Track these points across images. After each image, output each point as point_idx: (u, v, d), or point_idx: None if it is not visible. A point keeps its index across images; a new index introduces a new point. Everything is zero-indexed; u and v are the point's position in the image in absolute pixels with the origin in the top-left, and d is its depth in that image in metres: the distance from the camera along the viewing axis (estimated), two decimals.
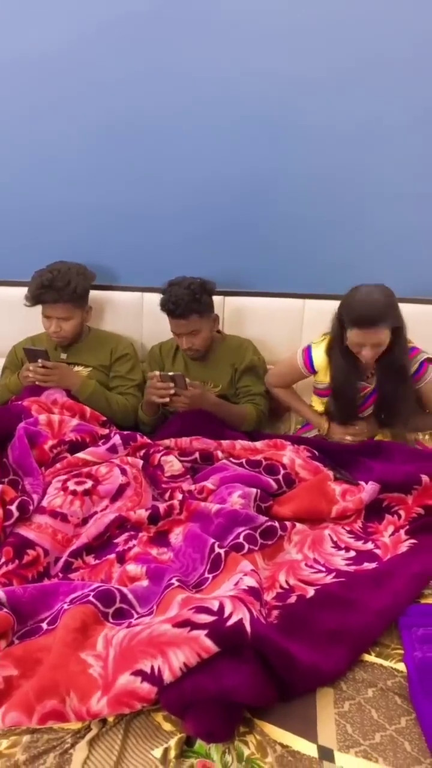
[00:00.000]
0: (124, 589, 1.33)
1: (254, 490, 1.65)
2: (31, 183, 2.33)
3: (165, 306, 2.05)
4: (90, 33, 2.12)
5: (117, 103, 2.21)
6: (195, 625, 1.14)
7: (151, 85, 2.17)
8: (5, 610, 1.27)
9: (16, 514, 1.55)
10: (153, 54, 2.13)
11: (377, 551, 1.56)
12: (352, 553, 1.55)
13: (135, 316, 2.39)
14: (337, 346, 1.93)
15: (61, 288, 2.07)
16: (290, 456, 1.84)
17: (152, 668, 1.10)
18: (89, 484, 1.69)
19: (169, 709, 1.10)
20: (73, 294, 2.10)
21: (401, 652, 1.28)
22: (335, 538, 1.61)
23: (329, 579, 1.43)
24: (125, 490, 1.71)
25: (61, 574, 1.48)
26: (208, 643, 1.11)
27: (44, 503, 1.61)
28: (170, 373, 1.97)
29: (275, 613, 1.33)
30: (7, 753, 1.05)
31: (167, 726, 1.11)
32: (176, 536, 1.56)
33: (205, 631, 1.12)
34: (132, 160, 2.28)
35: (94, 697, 1.09)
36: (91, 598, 1.28)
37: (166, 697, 1.09)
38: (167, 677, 1.09)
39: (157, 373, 1.99)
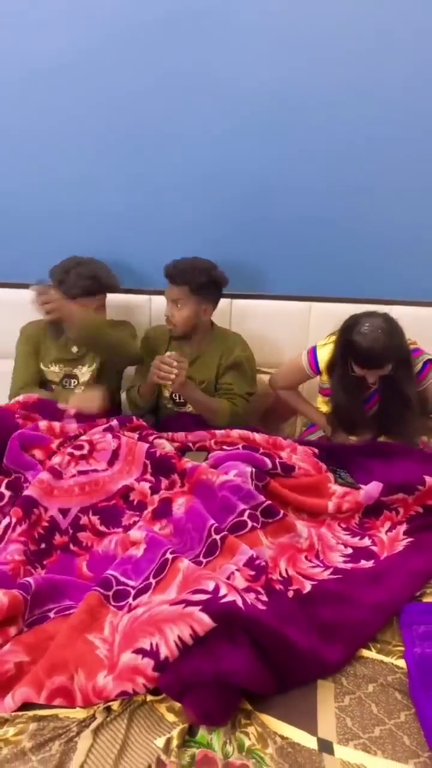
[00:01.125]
0: (117, 573, 1.37)
1: (249, 468, 1.66)
2: (39, 187, 2.37)
3: (165, 268, 2.09)
4: (96, 39, 2.16)
5: (124, 108, 2.24)
6: (189, 602, 1.19)
7: (157, 90, 2.21)
8: (20, 593, 1.30)
9: (7, 494, 1.65)
10: (159, 59, 2.17)
11: (374, 548, 1.58)
12: (349, 550, 1.56)
13: (143, 318, 2.42)
14: (338, 365, 1.92)
15: (103, 277, 2.17)
16: (288, 452, 1.86)
17: (151, 645, 1.15)
18: (86, 449, 1.75)
19: (167, 691, 1.13)
20: (111, 282, 2.22)
21: (402, 649, 1.29)
22: (331, 535, 1.62)
23: (326, 575, 1.45)
24: (119, 453, 1.76)
25: (71, 530, 1.58)
26: (202, 616, 1.15)
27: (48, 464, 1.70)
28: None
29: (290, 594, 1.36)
30: (14, 740, 1.08)
31: (170, 717, 1.13)
32: (179, 507, 1.59)
33: (199, 607, 1.17)
34: (139, 166, 2.31)
35: (100, 674, 1.14)
36: (94, 587, 1.34)
37: (164, 680, 1.12)
38: (164, 651, 1.13)
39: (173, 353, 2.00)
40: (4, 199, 2.39)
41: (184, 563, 1.33)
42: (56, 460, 1.70)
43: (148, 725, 1.12)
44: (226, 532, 1.45)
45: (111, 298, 2.39)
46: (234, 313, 2.39)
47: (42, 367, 2.22)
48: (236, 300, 2.38)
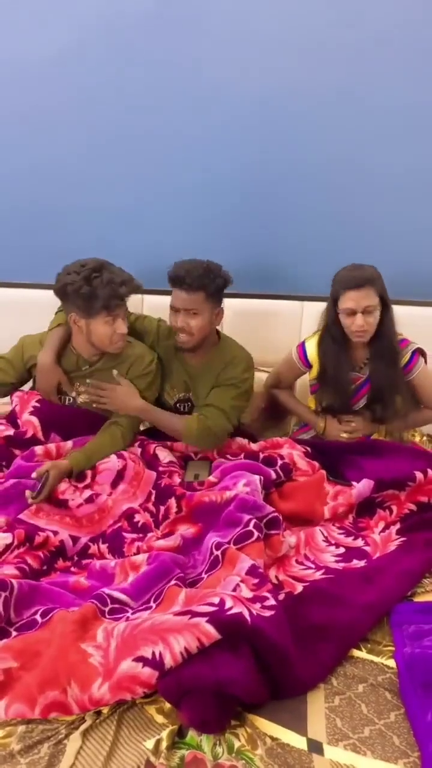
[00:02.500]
0: (114, 593, 1.35)
1: (257, 476, 1.67)
2: (38, 187, 2.36)
3: (174, 273, 1.85)
4: (95, 38, 2.17)
5: (121, 107, 2.24)
6: (195, 614, 1.18)
7: (154, 89, 2.21)
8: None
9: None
10: (156, 57, 2.17)
11: (366, 548, 1.58)
12: (342, 550, 1.57)
13: None
14: (328, 332, 1.97)
15: (129, 280, 1.83)
16: (287, 450, 1.86)
17: (153, 654, 1.13)
18: (89, 477, 1.74)
19: (165, 696, 1.13)
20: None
21: (392, 648, 1.30)
22: (326, 534, 1.63)
23: (318, 575, 1.45)
24: (124, 475, 1.75)
25: (76, 557, 1.58)
26: (209, 628, 1.15)
27: None
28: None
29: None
30: (3, 743, 1.07)
31: (159, 718, 1.13)
32: (185, 530, 1.59)
33: (206, 618, 1.16)
34: (134, 165, 2.31)
35: (95, 684, 1.13)
36: (90, 600, 1.32)
37: (163, 685, 1.12)
38: (168, 661, 1.12)
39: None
40: (4, 199, 2.40)
41: (184, 591, 1.32)
42: (62, 487, 1.68)
43: (138, 727, 1.12)
44: (227, 545, 1.44)
45: None
46: (226, 312, 2.36)
47: None
48: (228, 299, 2.35)
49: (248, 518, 1.50)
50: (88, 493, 1.70)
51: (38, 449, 1.78)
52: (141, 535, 1.61)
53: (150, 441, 1.94)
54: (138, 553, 1.53)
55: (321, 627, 1.28)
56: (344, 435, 2.00)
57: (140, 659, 1.14)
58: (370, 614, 1.33)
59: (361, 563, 1.52)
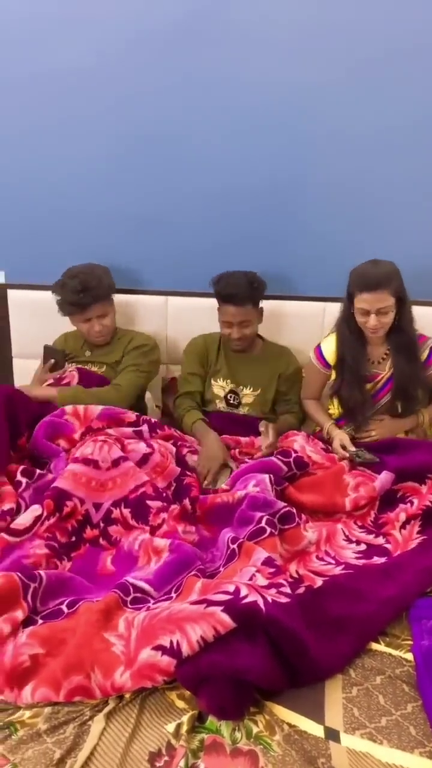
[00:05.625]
0: (138, 582, 1.39)
1: (266, 475, 1.70)
2: (60, 191, 2.42)
3: (223, 292, 2.09)
4: (114, 48, 2.22)
5: (140, 114, 2.30)
6: (211, 602, 1.21)
7: (172, 97, 2.26)
8: (19, 575, 1.34)
9: (24, 480, 1.71)
10: (175, 66, 2.22)
11: (387, 546, 1.60)
12: (363, 546, 1.58)
13: (159, 318, 2.46)
14: (345, 322, 1.99)
15: (95, 287, 2.13)
16: (301, 443, 1.89)
17: (171, 643, 1.16)
18: (116, 445, 1.77)
19: (184, 683, 1.16)
20: (108, 289, 2.20)
21: (410, 642, 1.31)
22: (347, 532, 1.64)
23: (338, 570, 1.47)
24: (149, 459, 1.79)
25: (102, 524, 1.62)
26: (224, 617, 1.17)
27: (76, 454, 1.71)
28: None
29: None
30: (30, 722, 1.12)
31: (180, 704, 1.16)
32: (184, 529, 1.63)
33: (221, 607, 1.19)
34: (157, 169, 2.36)
35: (117, 672, 1.16)
36: (113, 589, 1.36)
37: (182, 672, 1.15)
38: (185, 650, 1.15)
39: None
40: (20, 202, 2.46)
41: (201, 581, 1.36)
42: (87, 450, 1.70)
43: (159, 711, 1.15)
44: (242, 539, 1.47)
45: (131, 299, 2.44)
46: None
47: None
48: None
49: (260, 515, 1.53)
50: (117, 453, 1.72)
51: (68, 408, 1.91)
52: (165, 504, 1.64)
53: (183, 442, 2.00)
54: (162, 525, 1.58)
55: (340, 619, 1.30)
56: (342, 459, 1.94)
57: (159, 648, 1.17)
58: (388, 608, 1.34)
59: (382, 560, 1.53)
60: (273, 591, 1.28)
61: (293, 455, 1.85)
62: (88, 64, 2.25)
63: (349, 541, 1.62)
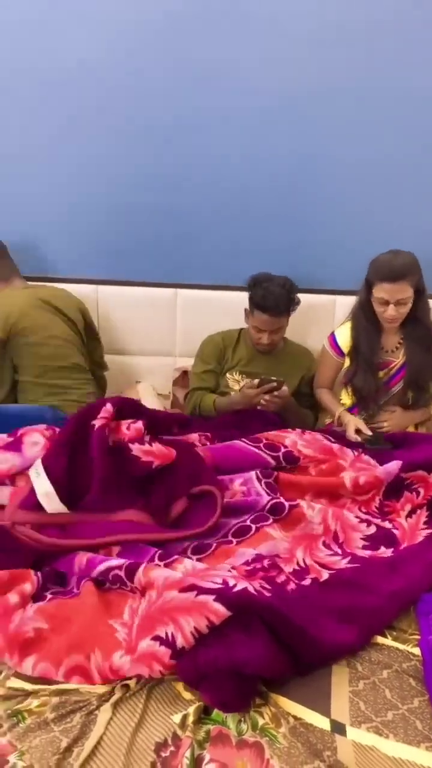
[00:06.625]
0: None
1: (252, 472, 1.68)
2: (76, 184, 2.42)
3: (263, 303, 2.07)
4: (127, 40, 2.21)
5: (156, 109, 2.29)
6: (201, 590, 1.20)
7: (188, 91, 2.26)
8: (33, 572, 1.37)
9: None
10: (190, 58, 2.21)
11: (395, 531, 1.59)
12: (373, 528, 1.57)
13: (169, 311, 2.46)
14: (361, 309, 1.98)
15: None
16: (293, 438, 1.84)
17: (167, 634, 1.17)
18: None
19: (185, 680, 1.16)
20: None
21: (418, 637, 1.30)
22: (353, 515, 1.63)
23: (344, 563, 1.47)
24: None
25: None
26: (218, 606, 1.17)
27: None
28: (273, 378, 2.00)
29: (291, 586, 1.37)
30: (38, 711, 1.13)
31: (187, 695, 1.16)
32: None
33: (213, 596, 1.18)
34: (169, 163, 2.36)
35: (116, 654, 1.17)
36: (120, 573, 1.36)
37: (181, 668, 1.15)
38: (180, 642, 1.15)
39: (256, 381, 2.02)
40: (31, 198, 2.46)
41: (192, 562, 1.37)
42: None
43: (166, 701, 1.15)
44: (214, 544, 1.47)
45: (142, 291, 2.44)
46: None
47: None
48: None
49: (245, 517, 1.54)
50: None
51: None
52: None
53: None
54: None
55: (345, 610, 1.29)
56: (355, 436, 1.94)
57: (157, 638, 1.17)
58: (395, 601, 1.34)
59: (389, 552, 1.52)
60: (257, 584, 1.28)
61: (282, 450, 1.79)
62: (101, 58, 2.24)
63: (360, 519, 1.61)
